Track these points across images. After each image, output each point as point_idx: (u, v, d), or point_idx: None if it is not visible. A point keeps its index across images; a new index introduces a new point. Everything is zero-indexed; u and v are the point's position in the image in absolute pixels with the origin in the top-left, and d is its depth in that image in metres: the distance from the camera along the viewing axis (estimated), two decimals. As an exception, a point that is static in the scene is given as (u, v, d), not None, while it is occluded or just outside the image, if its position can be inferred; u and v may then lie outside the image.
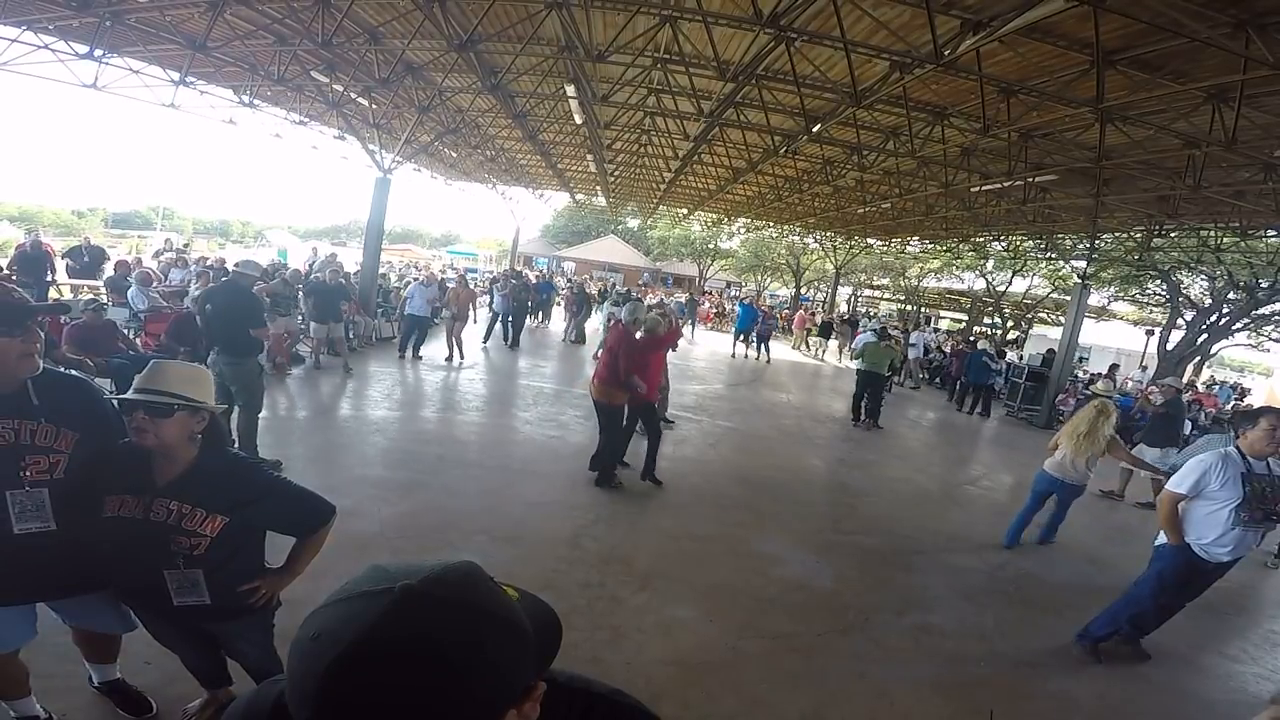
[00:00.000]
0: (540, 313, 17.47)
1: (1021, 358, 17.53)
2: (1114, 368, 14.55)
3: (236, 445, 4.64)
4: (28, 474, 1.69)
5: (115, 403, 1.76)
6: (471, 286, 12.01)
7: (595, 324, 15.85)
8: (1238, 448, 3.25)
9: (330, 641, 0.51)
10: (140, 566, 1.75)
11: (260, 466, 1.87)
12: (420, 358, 10.09)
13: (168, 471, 1.72)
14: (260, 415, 4.92)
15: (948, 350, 16.59)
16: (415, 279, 11.84)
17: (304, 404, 6.72)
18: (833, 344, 19.78)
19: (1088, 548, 5.65)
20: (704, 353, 16.34)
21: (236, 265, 5.39)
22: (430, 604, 0.54)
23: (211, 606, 1.79)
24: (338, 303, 8.81)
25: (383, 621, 0.52)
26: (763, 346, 15.93)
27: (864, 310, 34.21)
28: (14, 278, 9.29)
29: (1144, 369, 18.90)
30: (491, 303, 13.03)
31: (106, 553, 1.78)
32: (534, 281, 18.04)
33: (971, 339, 19.71)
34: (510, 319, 12.77)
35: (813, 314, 19.76)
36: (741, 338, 16.72)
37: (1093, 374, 17.18)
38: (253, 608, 1.87)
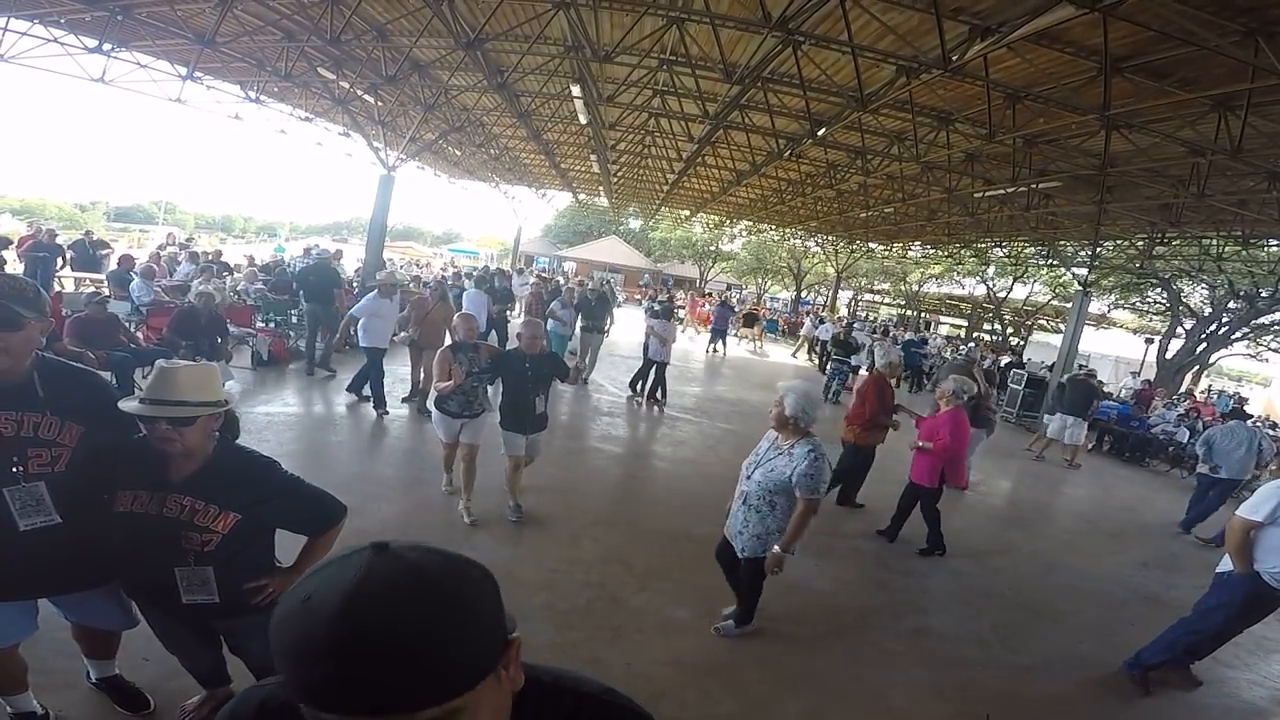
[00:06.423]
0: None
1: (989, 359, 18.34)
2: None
3: (319, 357, 7.66)
4: (25, 467, 1.66)
5: (128, 413, 1.70)
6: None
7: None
8: None
9: (329, 592, 0.52)
10: (150, 562, 1.73)
11: (274, 464, 1.85)
12: (385, 413, 6.34)
13: (183, 467, 1.71)
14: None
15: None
16: (379, 279, 7.05)
17: (305, 402, 6.72)
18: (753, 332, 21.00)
19: (1082, 552, 5.66)
20: (700, 354, 16.32)
21: (315, 249, 8.97)
22: (405, 550, 0.56)
23: (220, 605, 1.77)
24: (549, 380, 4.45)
25: (371, 567, 0.53)
26: (720, 341, 16.27)
27: (865, 315, 34.15)
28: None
29: (1135, 375, 19.19)
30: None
31: (116, 548, 1.76)
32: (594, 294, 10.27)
33: (903, 329, 23.88)
34: None
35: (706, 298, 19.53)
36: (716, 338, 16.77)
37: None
38: (260, 606, 1.85)
